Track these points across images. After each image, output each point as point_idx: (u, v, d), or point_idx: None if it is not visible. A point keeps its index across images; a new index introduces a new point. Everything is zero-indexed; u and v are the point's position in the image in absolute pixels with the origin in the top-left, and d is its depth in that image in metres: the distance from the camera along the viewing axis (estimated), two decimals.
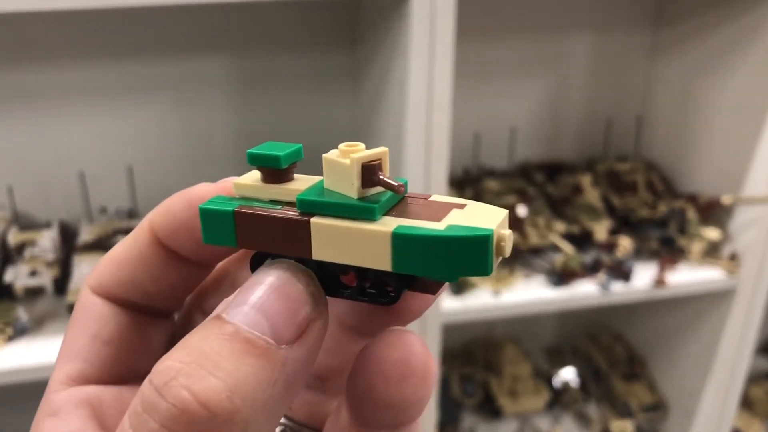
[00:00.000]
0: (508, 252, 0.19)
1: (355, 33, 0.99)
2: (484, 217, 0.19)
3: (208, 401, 0.16)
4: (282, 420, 0.24)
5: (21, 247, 0.87)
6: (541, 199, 1.02)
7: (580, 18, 1.08)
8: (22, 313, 0.82)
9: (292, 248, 0.20)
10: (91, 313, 0.23)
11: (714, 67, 0.99)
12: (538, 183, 1.06)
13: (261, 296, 0.18)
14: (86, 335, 0.23)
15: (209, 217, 0.21)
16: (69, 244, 0.92)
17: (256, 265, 0.21)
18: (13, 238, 0.88)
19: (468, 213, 0.20)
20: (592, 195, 1.02)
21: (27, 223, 0.94)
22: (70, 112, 0.94)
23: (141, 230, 0.23)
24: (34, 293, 0.86)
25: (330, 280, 0.21)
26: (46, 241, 0.88)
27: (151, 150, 0.98)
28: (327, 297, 0.20)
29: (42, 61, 0.91)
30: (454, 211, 0.20)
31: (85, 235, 0.91)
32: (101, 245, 0.88)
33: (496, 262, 0.19)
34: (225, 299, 0.19)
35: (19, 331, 0.82)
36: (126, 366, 0.23)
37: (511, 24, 1.06)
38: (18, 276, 0.85)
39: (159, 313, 0.24)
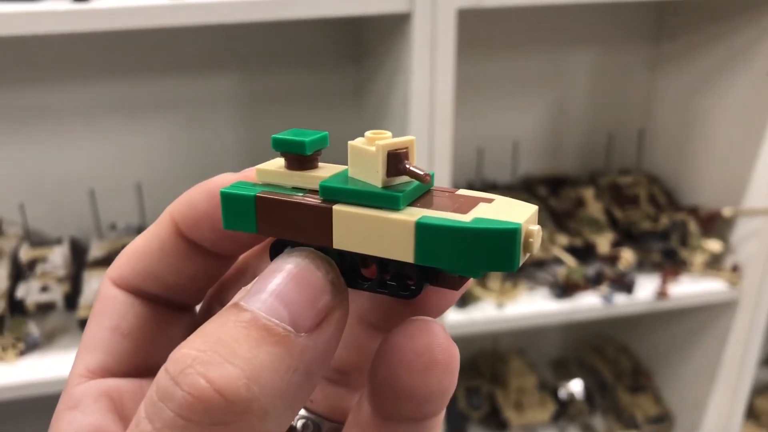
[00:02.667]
0: (536, 248, 0.18)
1: (359, 51, 1.00)
2: (512, 211, 0.19)
3: (224, 389, 0.16)
4: (304, 413, 0.23)
5: (32, 264, 0.89)
6: (544, 213, 1.03)
7: (582, 33, 1.10)
8: (33, 329, 0.84)
9: (313, 236, 0.20)
10: (112, 306, 0.23)
11: (714, 80, 1.00)
12: (541, 196, 1.07)
13: (279, 283, 0.18)
14: (106, 328, 0.22)
15: (230, 201, 0.20)
16: (79, 260, 0.93)
17: (275, 253, 0.21)
18: (25, 254, 0.90)
19: (496, 207, 0.19)
20: (594, 208, 1.03)
21: (38, 240, 0.95)
22: (80, 131, 0.96)
23: (162, 222, 0.22)
24: (45, 309, 0.87)
25: (350, 271, 0.20)
26: (57, 257, 0.89)
27: (160, 167, 1.00)
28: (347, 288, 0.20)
29: (53, 81, 0.94)
30: (482, 205, 0.19)
31: (96, 251, 0.92)
32: (111, 261, 0.89)
33: (523, 257, 0.18)
34: (243, 287, 0.19)
35: (31, 346, 0.83)
36: (146, 358, 0.23)
37: (514, 39, 1.07)
38: (29, 292, 0.86)
39: (180, 306, 0.24)
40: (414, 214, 0.18)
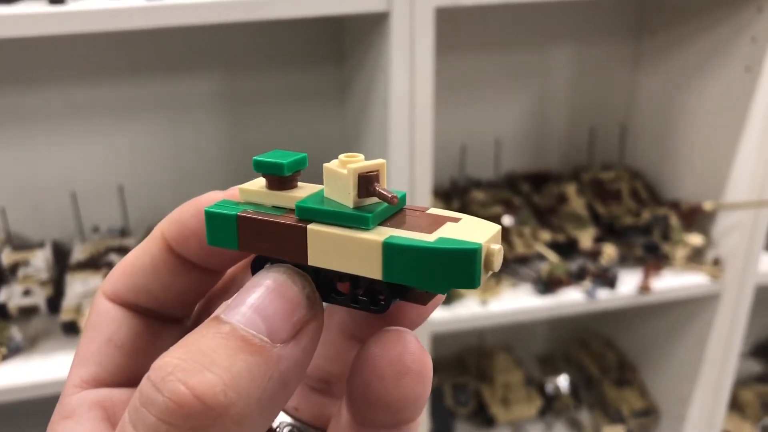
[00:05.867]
0: (497, 266, 0.19)
1: (341, 50, 1.00)
2: (476, 231, 0.20)
3: (203, 395, 0.17)
4: (290, 420, 0.24)
5: (14, 267, 0.88)
6: (526, 209, 1.03)
7: (563, 29, 1.10)
8: (16, 333, 0.84)
9: (289, 253, 0.21)
10: (105, 319, 0.24)
11: (694, 76, 1.01)
12: (523, 193, 1.08)
13: (258, 297, 0.19)
14: (100, 340, 0.23)
15: (214, 219, 0.22)
16: (62, 264, 0.93)
17: (256, 268, 0.22)
18: (7, 258, 0.89)
19: (461, 226, 0.20)
20: (577, 204, 1.04)
21: (20, 243, 0.95)
22: (61, 134, 0.96)
23: (153, 238, 0.23)
24: (27, 312, 0.87)
25: (325, 285, 0.21)
26: (40, 260, 0.89)
27: (142, 169, 1.00)
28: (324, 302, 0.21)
29: (33, 83, 0.93)
30: (448, 224, 0.20)
31: (78, 254, 0.92)
32: (94, 264, 0.89)
33: (484, 276, 0.19)
34: (225, 302, 0.20)
35: (14, 350, 0.83)
36: (138, 369, 0.24)
37: (495, 36, 1.07)
38: (12, 296, 0.86)
39: (171, 319, 0.25)
40: (383, 234, 0.19)
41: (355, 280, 0.21)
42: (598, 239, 1.00)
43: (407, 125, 0.80)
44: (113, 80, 0.96)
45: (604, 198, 1.05)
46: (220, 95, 1.00)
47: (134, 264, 0.24)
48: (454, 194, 1.06)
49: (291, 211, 0.21)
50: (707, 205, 0.96)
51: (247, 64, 0.99)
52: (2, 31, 0.69)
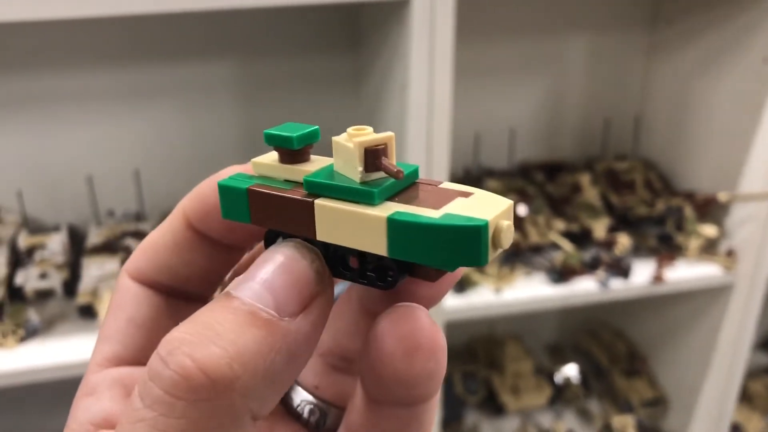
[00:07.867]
0: (506, 243, 0.19)
1: (357, 37, 1.00)
2: (485, 206, 0.19)
3: (208, 368, 0.17)
4: (311, 399, 0.24)
5: (31, 251, 0.89)
6: (540, 198, 1.03)
7: (578, 18, 1.10)
8: (32, 315, 0.84)
9: (299, 228, 0.21)
10: (127, 298, 0.24)
11: (710, 66, 1.00)
12: (537, 182, 1.08)
13: (267, 272, 0.19)
14: (122, 319, 0.24)
15: (226, 193, 0.22)
16: (78, 247, 0.93)
17: (269, 242, 0.22)
18: (23, 241, 0.90)
19: (471, 202, 0.19)
20: (591, 194, 1.03)
21: (36, 227, 0.95)
22: (77, 117, 0.96)
23: (174, 216, 0.24)
24: (44, 295, 0.88)
25: (335, 260, 0.21)
26: (56, 244, 0.89)
27: (158, 154, 1.00)
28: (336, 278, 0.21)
29: (50, 67, 0.93)
30: (458, 200, 0.20)
31: (94, 237, 0.92)
32: (109, 248, 0.90)
33: (493, 253, 0.18)
34: (237, 278, 0.20)
35: (31, 333, 0.83)
36: None
37: (510, 25, 1.07)
38: (28, 279, 0.87)
39: (193, 297, 0.25)
40: (388, 210, 0.19)
41: (363, 255, 0.21)
42: (612, 229, 1.00)
43: (425, 113, 0.79)
44: (130, 65, 0.96)
45: (618, 188, 1.05)
46: (236, 81, 1.00)
47: (156, 242, 0.24)
48: (468, 183, 1.05)
49: (301, 185, 0.21)
50: (722, 196, 0.96)
51: (263, 50, 0.99)
52: (19, 14, 0.69)
